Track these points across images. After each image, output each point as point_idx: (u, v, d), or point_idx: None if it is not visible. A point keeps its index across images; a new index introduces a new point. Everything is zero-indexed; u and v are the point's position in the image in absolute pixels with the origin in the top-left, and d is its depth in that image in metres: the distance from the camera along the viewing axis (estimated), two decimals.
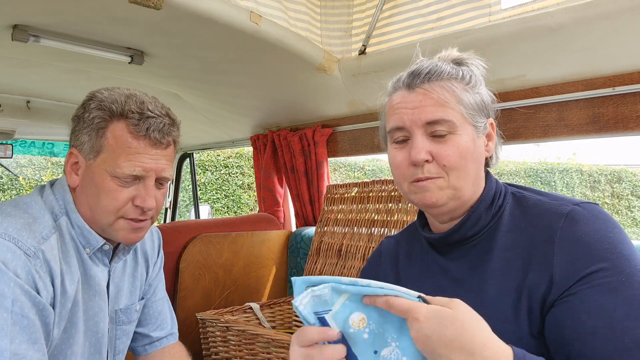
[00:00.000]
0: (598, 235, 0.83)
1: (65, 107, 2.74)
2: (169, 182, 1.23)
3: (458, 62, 1.00)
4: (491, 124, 1.01)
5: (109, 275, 1.25)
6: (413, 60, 1.02)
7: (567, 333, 0.79)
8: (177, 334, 1.49)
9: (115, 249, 1.26)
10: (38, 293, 1.04)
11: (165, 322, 1.46)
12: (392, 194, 1.94)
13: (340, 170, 10.19)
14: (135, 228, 1.16)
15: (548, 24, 1.38)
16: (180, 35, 1.64)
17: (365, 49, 1.88)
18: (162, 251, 1.48)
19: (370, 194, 2.03)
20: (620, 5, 1.25)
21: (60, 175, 1.35)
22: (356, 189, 2.11)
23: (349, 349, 0.79)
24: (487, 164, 1.03)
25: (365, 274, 1.20)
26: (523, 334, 0.85)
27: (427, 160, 0.92)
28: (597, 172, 11.73)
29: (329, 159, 2.40)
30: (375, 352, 0.79)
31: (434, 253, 1.03)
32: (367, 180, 2.08)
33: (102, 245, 1.19)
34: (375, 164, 10.64)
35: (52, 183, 1.22)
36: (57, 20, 1.52)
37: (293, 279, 0.79)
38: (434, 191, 0.93)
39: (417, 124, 0.93)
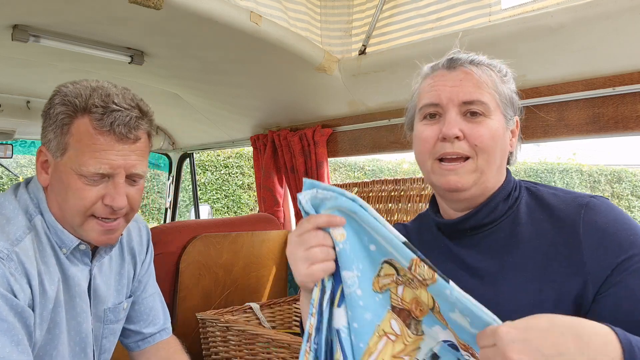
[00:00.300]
0: (619, 224, 0.86)
1: None
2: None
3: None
4: (517, 121, 1.02)
5: (91, 274, 1.21)
6: (449, 52, 1.03)
7: (618, 324, 0.78)
8: (171, 329, 1.47)
9: (96, 247, 1.21)
10: (15, 296, 1.01)
11: (157, 318, 1.43)
12: (392, 194, 1.94)
13: (340, 170, 10.20)
14: (106, 229, 1.11)
15: (548, 24, 1.37)
16: (180, 35, 1.64)
17: (365, 49, 1.88)
18: (151, 246, 1.43)
19: (370, 194, 2.03)
20: (620, 5, 1.25)
21: None
22: (356, 189, 2.11)
23: None
24: (507, 161, 1.04)
25: None
26: None
27: (457, 137, 0.92)
28: (597, 172, 11.73)
29: (329, 159, 2.39)
30: (338, 267, 0.84)
31: (445, 240, 1.03)
32: (367, 180, 2.08)
33: (77, 245, 1.14)
34: (375, 164, 10.64)
35: (27, 181, 1.18)
36: (57, 20, 1.52)
37: (304, 179, 0.85)
38: (461, 175, 0.93)
39: (453, 102, 0.94)
